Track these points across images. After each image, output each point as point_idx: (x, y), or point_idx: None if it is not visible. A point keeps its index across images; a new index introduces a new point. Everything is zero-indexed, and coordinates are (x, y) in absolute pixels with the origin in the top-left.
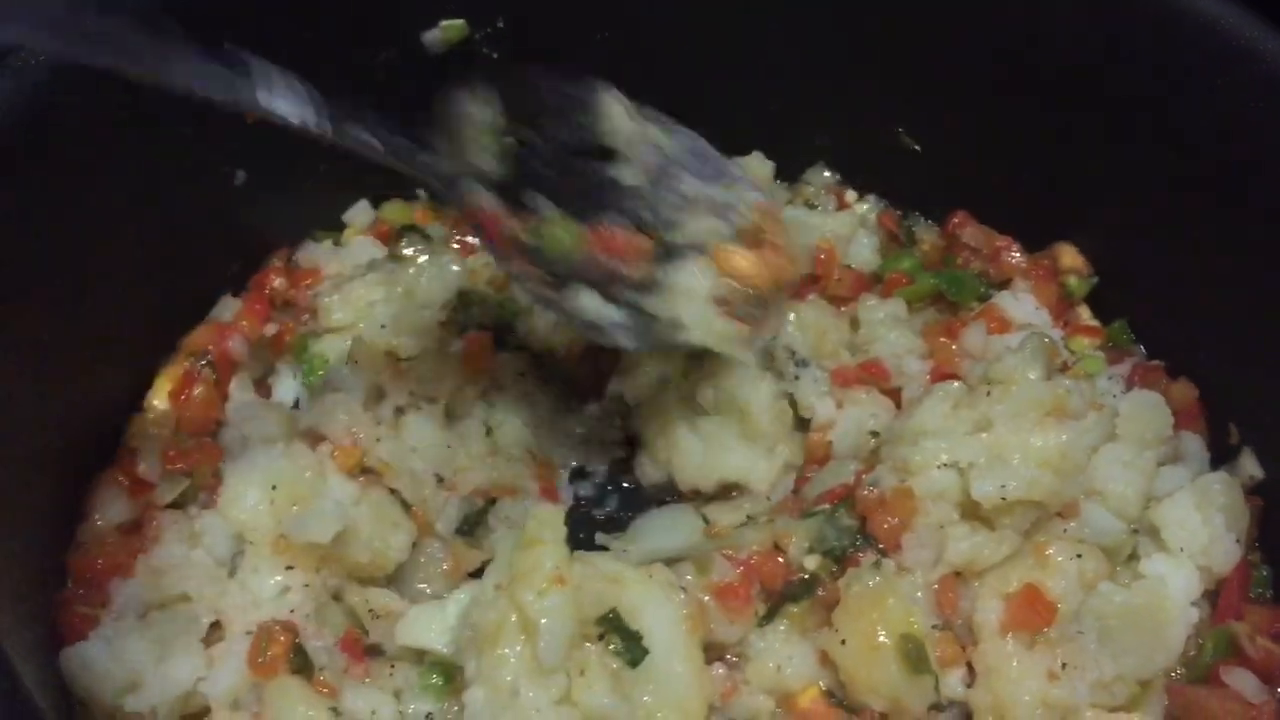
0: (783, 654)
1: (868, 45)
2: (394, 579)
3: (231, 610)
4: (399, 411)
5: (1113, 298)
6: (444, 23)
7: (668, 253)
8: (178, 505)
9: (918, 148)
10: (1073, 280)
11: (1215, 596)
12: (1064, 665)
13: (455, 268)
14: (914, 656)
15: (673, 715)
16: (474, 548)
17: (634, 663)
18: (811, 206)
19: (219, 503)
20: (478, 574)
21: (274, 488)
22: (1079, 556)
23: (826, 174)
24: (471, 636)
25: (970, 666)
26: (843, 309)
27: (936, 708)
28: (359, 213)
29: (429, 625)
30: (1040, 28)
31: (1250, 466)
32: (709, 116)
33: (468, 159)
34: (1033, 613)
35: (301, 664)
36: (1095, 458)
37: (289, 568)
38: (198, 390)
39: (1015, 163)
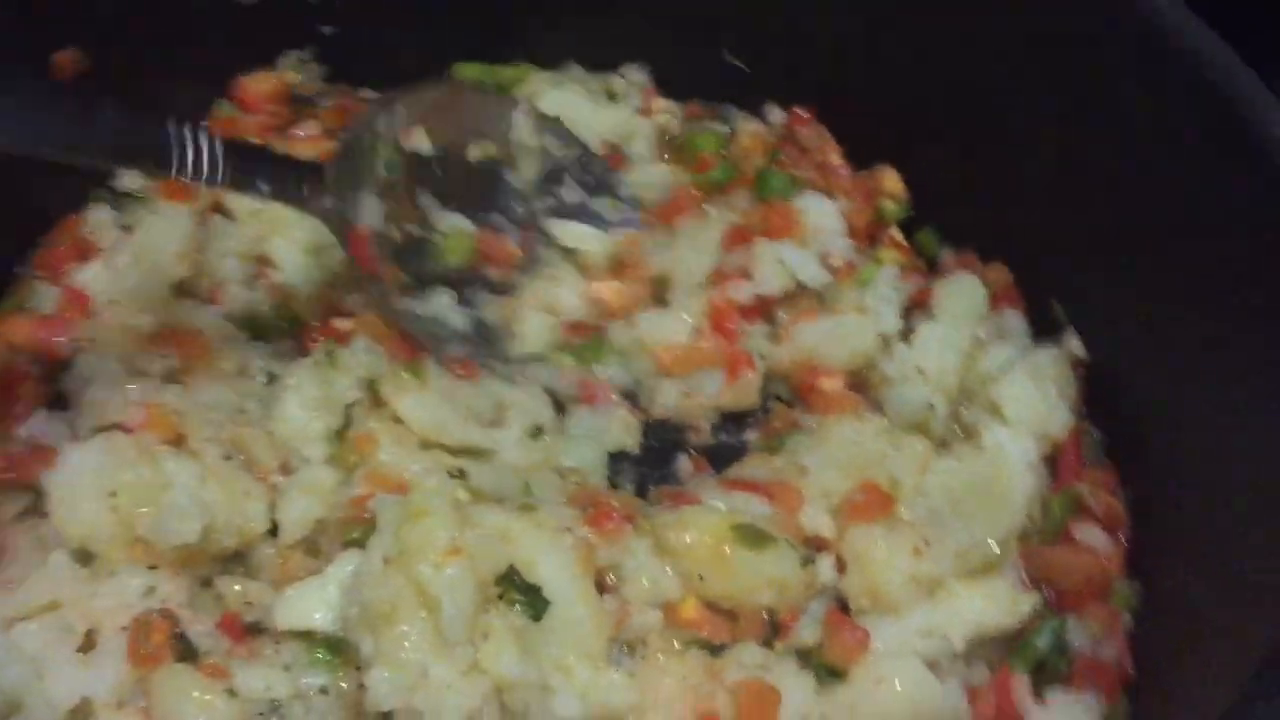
0: (655, 568)
1: None
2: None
3: (103, 612)
4: (172, 379)
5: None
6: None
7: (533, 261)
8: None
9: (745, 68)
10: (890, 205)
11: (1055, 464)
12: (926, 541)
13: (182, 223)
14: (752, 535)
15: (582, 660)
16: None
17: (537, 616)
18: (612, 97)
19: (52, 518)
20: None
21: (113, 494)
22: (895, 448)
23: (640, 75)
24: (362, 615)
25: (839, 559)
26: None
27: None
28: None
29: (310, 605)
30: None
31: (1075, 346)
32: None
33: (358, 170)
34: (871, 504)
35: (185, 651)
36: (914, 338)
37: (152, 567)
38: (24, 388)
39: (847, 91)
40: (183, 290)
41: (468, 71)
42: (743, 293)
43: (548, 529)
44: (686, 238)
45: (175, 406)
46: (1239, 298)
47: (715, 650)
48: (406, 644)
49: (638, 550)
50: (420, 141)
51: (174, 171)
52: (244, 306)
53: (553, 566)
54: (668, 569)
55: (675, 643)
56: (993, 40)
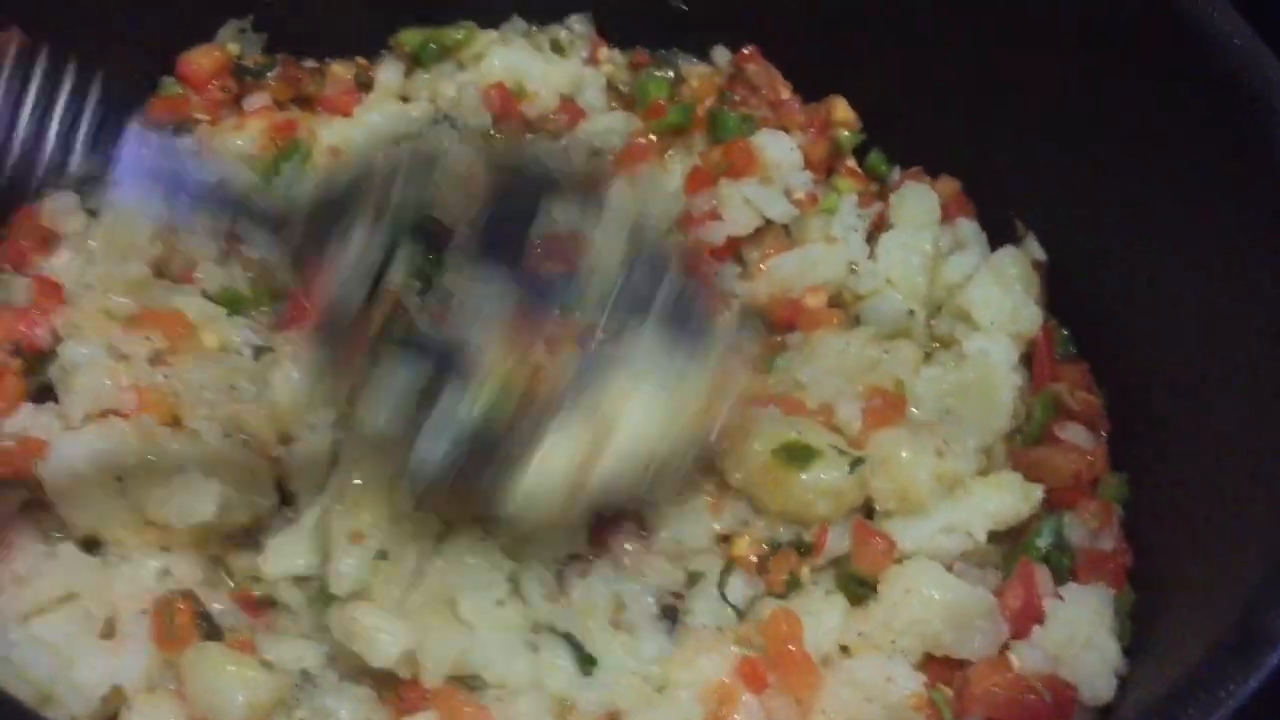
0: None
1: None
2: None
3: (120, 598)
4: (159, 362)
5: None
6: None
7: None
8: None
9: (685, 7)
10: (844, 134)
11: (1029, 363)
12: (946, 441)
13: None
14: (798, 453)
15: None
16: None
17: None
18: (558, 49)
19: (58, 509)
20: None
21: (119, 479)
22: (886, 353)
23: (585, 26)
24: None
25: None
26: None
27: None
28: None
29: (292, 550)
30: None
31: (1034, 250)
32: None
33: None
34: (888, 408)
35: (210, 630)
36: (877, 249)
37: (164, 549)
38: (6, 383)
39: (789, 23)
40: (156, 271)
41: (410, 38)
42: (715, 234)
43: None
44: (649, 185)
45: (167, 388)
46: (1189, 182)
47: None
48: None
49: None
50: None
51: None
52: (220, 283)
53: None
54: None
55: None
56: None
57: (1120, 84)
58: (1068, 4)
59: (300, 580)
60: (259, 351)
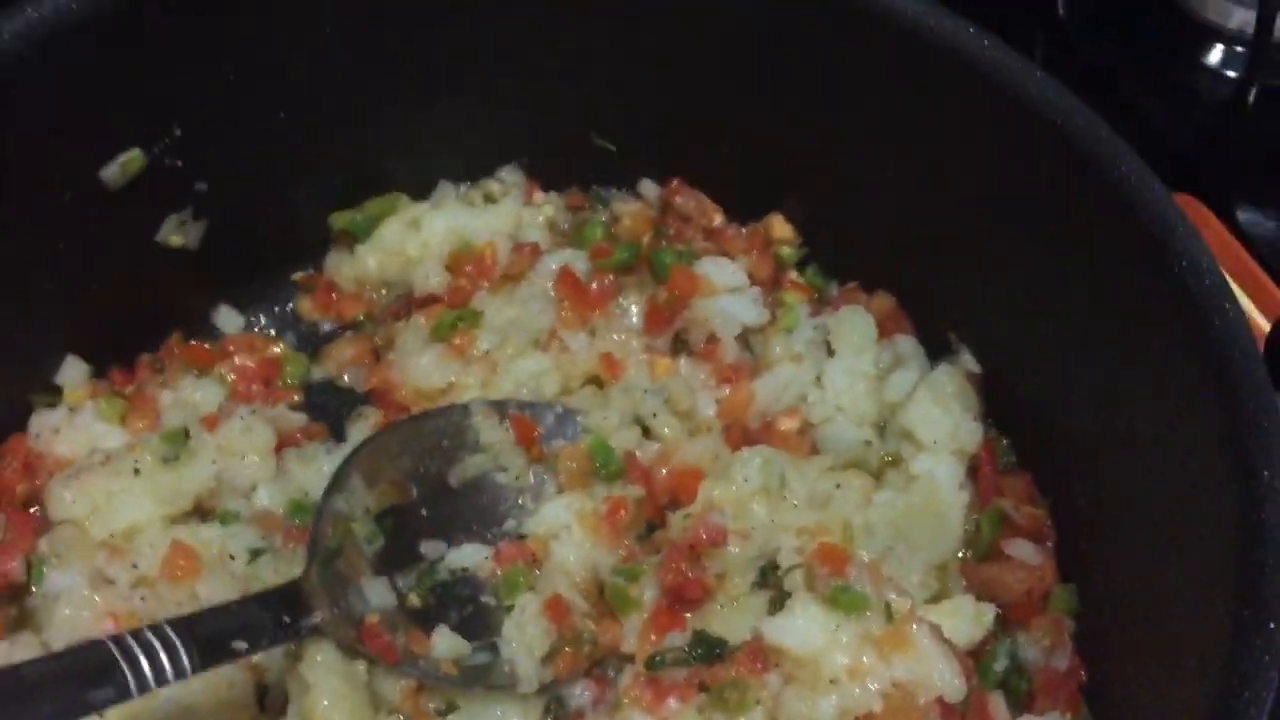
0: None
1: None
2: None
3: None
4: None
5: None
6: (120, 158)
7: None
8: None
9: (613, 148)
10: (785, 250)
11: (975, 475)
12: (890, 578)
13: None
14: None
15: None
16: None
17: None
18: (491, 200)
19: None
20: None
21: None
22: (838, 486)
23: (516, 175)
24: None
25: None
26: None
27: None
28: (72, 372)
29: None
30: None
31: (969, 362)
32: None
33: (343, 566)
34: (834, 559)
35: None
36: (824, 378)
37: None
38: None
39: (716, 149)
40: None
41: (341, 220)
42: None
43: None
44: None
45: (144, 611)
46: (1114, 293)
47: None
48: None
49: None
50: (392, 497)
51: (136, 692)
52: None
53: None
54: None
55: None
56: (837, 86)
57: (1046, 203)
58: (987, 128)
59: None
60: (254, 555)
